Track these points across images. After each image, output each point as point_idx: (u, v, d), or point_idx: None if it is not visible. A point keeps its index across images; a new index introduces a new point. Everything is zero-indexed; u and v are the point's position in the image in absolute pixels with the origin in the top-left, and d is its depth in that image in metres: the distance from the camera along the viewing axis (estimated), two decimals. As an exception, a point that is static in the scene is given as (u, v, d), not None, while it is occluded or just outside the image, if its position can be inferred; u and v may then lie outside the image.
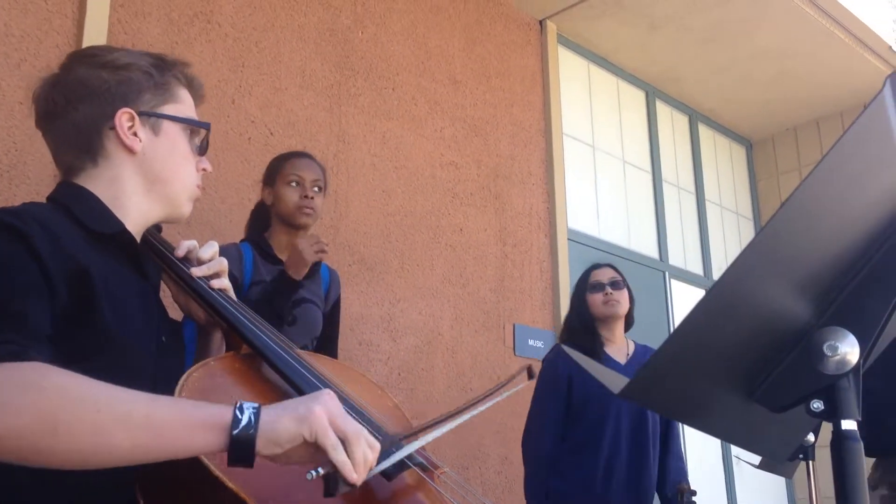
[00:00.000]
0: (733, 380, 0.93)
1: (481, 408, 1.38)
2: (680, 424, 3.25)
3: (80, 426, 0.95)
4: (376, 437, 1.10)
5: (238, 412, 1.00)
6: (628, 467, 3.04)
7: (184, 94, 1.38)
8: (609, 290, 3.20)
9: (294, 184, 2.68)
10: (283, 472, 1.07)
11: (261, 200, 2.82)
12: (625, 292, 3.23)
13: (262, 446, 0.99)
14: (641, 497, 3.05)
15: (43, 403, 0.94)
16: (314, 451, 1.02)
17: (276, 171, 2.75)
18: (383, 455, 1.12)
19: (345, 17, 4.11)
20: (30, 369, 0.97)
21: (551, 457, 3.05)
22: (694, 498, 2.94)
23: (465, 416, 1.36)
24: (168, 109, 1.34)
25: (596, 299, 3.21)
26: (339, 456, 1.01)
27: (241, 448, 0.98)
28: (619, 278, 3.26)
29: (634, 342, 3.31)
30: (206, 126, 1.39)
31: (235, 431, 0.98)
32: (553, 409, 3.11)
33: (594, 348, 3.14)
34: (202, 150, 1.40)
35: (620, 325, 3.25)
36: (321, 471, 1.01)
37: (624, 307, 3.22)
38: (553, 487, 3.01)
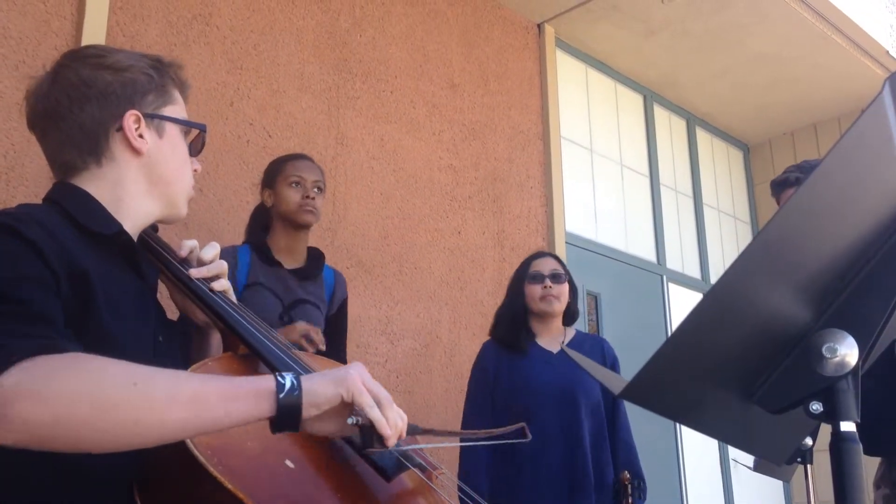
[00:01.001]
0: (732, 381, 0.93)
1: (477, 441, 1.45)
2: (625, 411, 3.10)
3: (133, 406, 0.98)
4: None
5: (280, 377, 1.04)
6: (562, 464, 2.87)
7: (178, 96, 1.39)
8: (549, 282, 3.06)
9: (295, 184, 2.70)
10: (279, 471, 1.07)
11: (260, 203, 2.83)
12: (565, 286, 3.09)
13: (306, 408, 1.04)
14: (575, 495, 2.86)
15: (94, 387, 0.97)
16: (349, 413, 1.08)
17: (276, 172, 2.76)
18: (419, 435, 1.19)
19: (343, 20, 4.11)
20: (72, 358, 1.00)
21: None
22: (643, 484, 2.86)
23: (460, 443, 1.40)
24: (168, 111, 1.35)
25: (534, 291, 3.08)
26: (374, 413, 1.07)
27: (288, 412, 1.03)
28: (561, 271, 3.13)
29: (576, 330, 3.20)
30: (203, 128, 1.41)
31: (282, 395, 1.03)
32: (480, 396, 3.04)
33: (518, 343, 3.04)
34: (195, 150, 1.41)
35: (557, 319, 3.12)
36: (360, 420, 1.07)
37: (562, 305, 3.09)
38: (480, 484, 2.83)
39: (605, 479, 2.94)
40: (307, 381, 1.05)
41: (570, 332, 3.17)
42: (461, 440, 2.85)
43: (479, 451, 2.89)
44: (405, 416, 1.12)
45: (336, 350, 2.76)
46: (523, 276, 3.14)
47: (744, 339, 0.90)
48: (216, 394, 1.01)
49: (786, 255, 0.86)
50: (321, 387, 1.06)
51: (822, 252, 0.89)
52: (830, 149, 0.80)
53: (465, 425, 3.05)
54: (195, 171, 1.42)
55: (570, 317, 3.18)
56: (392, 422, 1.09)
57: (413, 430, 1.21)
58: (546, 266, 3.12)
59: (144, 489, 1.09)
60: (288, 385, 1.03)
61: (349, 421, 1.07)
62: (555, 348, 3.06)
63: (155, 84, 1.34)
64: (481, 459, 2.88)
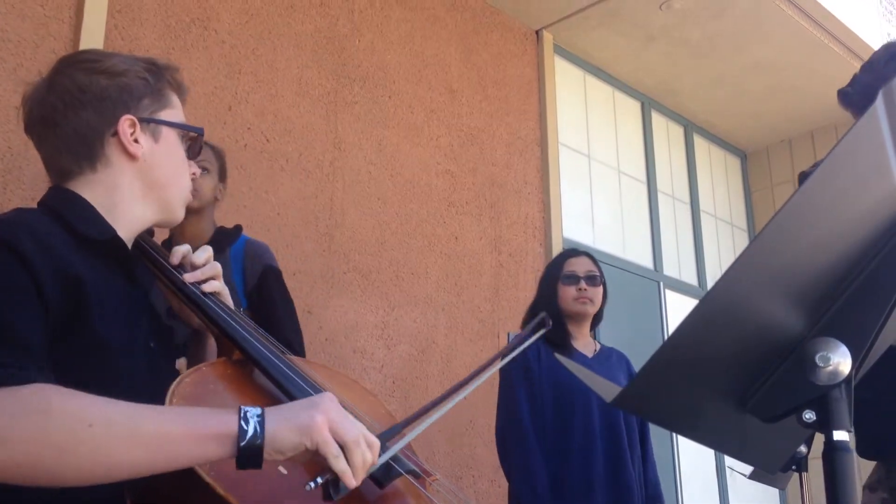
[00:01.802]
0: (726, 389, 0.93)
1: (479, 381, 1.38)
2: (650, 427, 3.00)
3: (90, 448, 0.96)
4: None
5: (243, 422, 1.02)
6: (605, 467, 2.78)
7: (175, 100, 1.39)
8: (584, 284, 2.92)
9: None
10: (274, 479, 1.07)
11: None
12: (600, 289, 2.97)
13: (268, 454, 1.02)
14: (622, 494, 2.78)
15: (50, 429, 0.95)
16: (315, 454, 1.05)
17: None
18: (394, 441, 1.15)
19: (342, 25, 4.12)
20: (31, 393, 0.98)
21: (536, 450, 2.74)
22: None
23: (465, 392, 1.36)
24: (165, 115, 1.34)
25: (568, 292, 2.92)
26: (339, 465, 1.04)
27: (249, 457, 1.01)
28: (597, 272, 2.99)
29: (599, 343, 3.09)
30: (200, 131, 1.40)
31: (243, 443, 1.00)
32: (526, 399, 2.80)
33: (564, 342, 2.91)
34: (192, 154, 1.40)
35: (588, 322, 2.99)
36: (320, 481, 1.04)
37: (596, 306, 2.96)
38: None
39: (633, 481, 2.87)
40: (271, 425, 1.02)
41: (597, 344, 3.06)
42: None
43: (532, 445, 2.73)
44: (377, 443, 1.09)
45: (273, 326, 2.34)
46: (556, 275, 2.98)
47: (737, 347, 0.90)
48: (177, 435, 1.00)
49: (779, 262, 0.86)
50: (285, 434, 1.02)
51: (815, 260, 0.89)
52: (824, 157, 0.80)
53: (509, 407, 2.82)
54: (192, 174, 1.41)
55: (596, 320, 3.06)
56: (357, 467, 1.05)
57: (393, 433, 1.20)
58: (581, 266, 2.98)
59: (136, 494, 1.08)
60: (250, 432, 1.01)
61: (306, 488, 1.03)
62: (589, 353, 2.97)
63: (151, 88, 1.33)
64: (537, 455, 2.73)
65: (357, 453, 1.05)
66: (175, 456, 0.99)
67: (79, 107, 1.29)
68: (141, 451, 0.98)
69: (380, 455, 1.13)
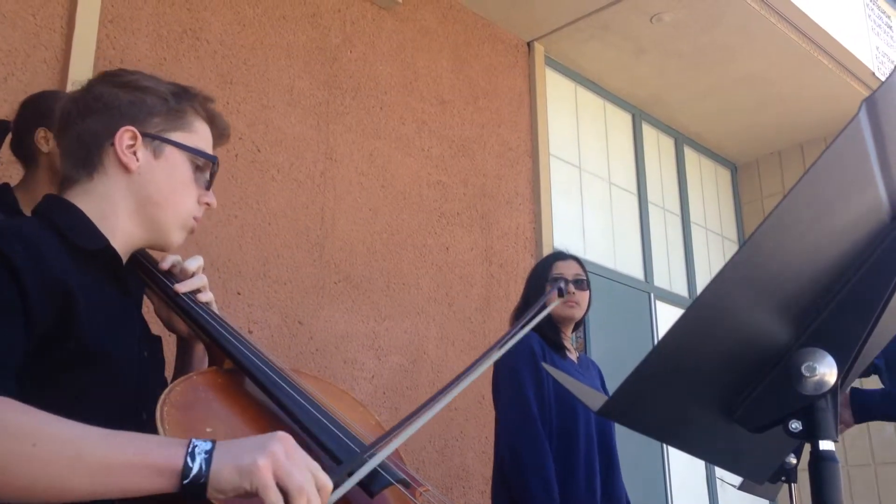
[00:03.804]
0: (713, 399, 0.94)
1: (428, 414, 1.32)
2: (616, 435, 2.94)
3: (29, 468, 0.95)
4: (331, 468, 1.08)
5: (189, 459, 0.99)
6: (602, 477, 2.75)
7: (200, 127, 1.37)
8: (572, 287, 2.90)
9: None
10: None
11: (18, 135, 2.28)
12: (587, 293, 2.95)
13: (211, 493, 1.00)
14: (611, 494, 2.77)
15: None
16: (257, 497, 1.01)
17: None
18: (357, 466, 1.11)
19: (333, 36, 4.13)
20: None
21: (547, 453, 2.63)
22: None
23: (456, 390, 1.31)
24: (177, 137, 1.32)
25: (555, 295, 2.86)
26: None
27: (192, 494, 0.99)
28: (584, 276, 2.97)
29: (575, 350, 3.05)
30: (213, 159, 1.37)
31: (186, 482, 0.98)
32: (535, 399, 2.71)
33: (558, 343, 2.87)
34: (208, 183, 1.38)
35: (571, 327, 2.96)
36: None
37: (583, 310, 2.94)
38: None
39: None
40: (217, 464, 0.99)
41: (574, 349, 3.02)
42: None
43: (546, 448, 2.64)
44: (328, 486, 1.04)
45: None
46: (544, 277, 2.97)
47: (724, 356, 0.91)
48: (121, 463, 0.98)
49: (765, 273, 0.86)
50: (227, 474, 0.99)
51: (801, 271, 0.90)
52: (808, 168, 0.81)
53: (521, 405, 2.71)
54: (207, 204, 1.38)
55: (578, 325, 3.03)
56: None
57: (383, 437, 1.16)
58: (569, 270, 2.96)
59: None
60: (195, 470, 0.98)
61: None
62: (574, 359, 2.94)
63: (168, 108, 1.32)
64: (550, 459, 2.65)
65: (301, 501, 1.00)
66: (116, 485, 0.98)
67: (87, 113, 1.30)
68: (82, 476, 0.96)
69: (364, 464, 1.12)
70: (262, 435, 1.05)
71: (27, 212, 2.07)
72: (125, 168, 1.28)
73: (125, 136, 1.28)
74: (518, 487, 2.64)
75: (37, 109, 2.23)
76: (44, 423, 0.98)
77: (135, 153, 1.29)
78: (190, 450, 1.00)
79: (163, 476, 0.98)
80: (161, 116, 1.31)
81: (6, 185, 2.18)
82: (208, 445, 1.01)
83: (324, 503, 1.03)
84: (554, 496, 2.58)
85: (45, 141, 2.16)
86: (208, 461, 1.00)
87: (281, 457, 1.01)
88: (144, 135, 1.29)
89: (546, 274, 2.98)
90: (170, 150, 1.31)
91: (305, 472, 1.02)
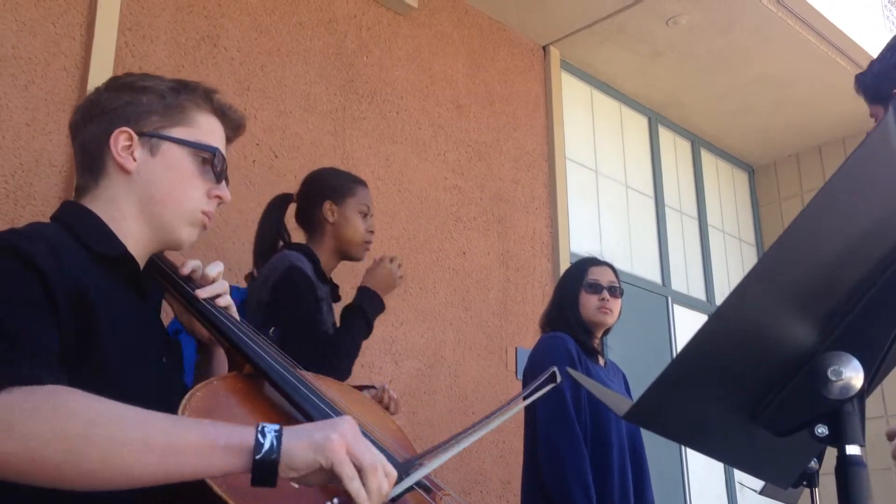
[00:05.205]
0: (737, 404, 0.93)
1: (493, 424, 1.34)
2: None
3: (100, 451, 0.95)
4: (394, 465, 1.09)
5: (260, 436, 1.00)
6: (635, 485, 2.76)
7: (203, 120, 1.35)
8: (607, 295, 2.92)
9: (363, 215, 2.59)
10: (284, 491, 1.07)
11: (308, 209, 2.62)
12: (619, 301, 2.96)
13: (283, 470, 1.00)
14: (644, 496, 2.77)
15: (67, 430, 0.95)
16: (330, 476, 1.02)
17: (346, 190, 2.61)
18: (411, 472, 1.13)
19: (350, 41, 4.14)
20: (48, 393, 0.98)
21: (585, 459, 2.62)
22: None
23: (478, 434, 1.33)
24: (176, 132, 1.31)
25: (590, 301, 2.91)
26: (353, 486, 1.01)
27: (264, 472, 0.98)
28: (617, 283, 2.99)
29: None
30: (213, 150, 1.34)
31: (258, 457, 0.98)
32: (572, 399, 2.68)
33: (591, 347, 2.87)
34: (218, 177, 1.36)
35: (601, 333, 2.98)
36: (336, 501, 1.02)
37: (615, 318, 2.95)
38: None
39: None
40: (288, 442, 1.00)
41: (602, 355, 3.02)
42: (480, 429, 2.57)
43: (583, 450, 2.65)
44: (394, 474, 1.06)
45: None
46: (579, 282, 2.95)
47: (749, 360, 0.90)
48: (192, 445, 0.98)
49: (790, 276, 0.86)
50: (301, 451, 1.00)
51: (826, 273, 0.89)
52: (837, 170, 0.80)
53: (560, 407, 2.69)
54: (219, 198, 1.36)
55: (607, 331, 3.04)
56: (374, 493, 1.02)
57: (420, 456, 1.19)
58: (604, 276, 2.97)
59: (147, 502, 1.08)
60: (266, 446, 0.99)
61: None
62: (602, 362, 2.95)
63: (165, 104, 1.31)
64: (587, 462, 2.65)
65: (374, 478, 1.02)
66: (186, 465, 0.97)
67: (88, 120, 1.31)
68: (152, 457, 0.96)
69: (399, 481, 1.12)
70: (329, 419, 1.08)
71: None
72: (123, 169, 1.28)
73: (120, 138, 1.28)
74: (556, 490, 2.62)
75: (324, 184, 2.62)
76: (109, 407, 0.99)
77: (132, 154, 1.28)
78: (259, 429, 1.01)
79: (233, 454, 0.98)
80: (158, 114, 1.31)
81: (307, 246, 2.56)
82: (276, 426, 1.02)
83: (389, 489, 1.05)
84: (593, 501, 2.58)
85: (331, 213, 2.56)
86: (279, 438, 1.00)
87: (352, 436, 1.03)
88: (141, 134, 1.29)
89: (582, 278, 2.97)
90: (167, 146, 1.30)
91: (376, 453, 1.05)
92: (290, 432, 1.02)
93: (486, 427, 1.32)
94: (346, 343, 2.41)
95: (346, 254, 2.61)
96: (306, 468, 1.00)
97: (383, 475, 1.03)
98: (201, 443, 0.98)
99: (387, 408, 2.49)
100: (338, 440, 1.01)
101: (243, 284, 2.71)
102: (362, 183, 2.67)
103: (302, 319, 2.35)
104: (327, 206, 2.57)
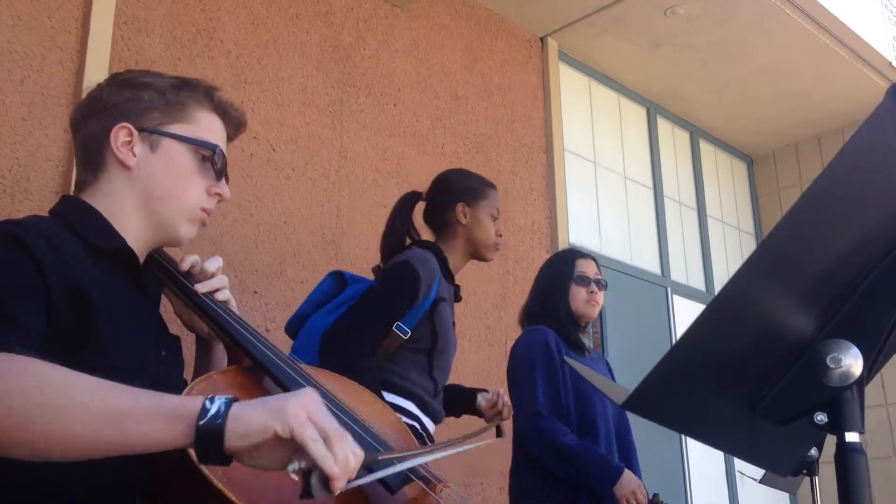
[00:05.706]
0: (736, 392, 0.93)
1: (450, 451, 1.33)
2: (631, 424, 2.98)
3: (50, 416, 0.92)
4: (361, 445, 1.01)
5: (208, 402, 0.93)
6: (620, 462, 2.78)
7: (204, 117, 1.35)
8: (595, 288, 2.95)
9: (494, 218, 2.61)
10: (283, 483, 1.07)
11: (440, 209, 2.66)
12: (602, 294, 2.99)
13: (231, 439, 0.91)
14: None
15: (16, 392, 0.92)
16: (292, 450, 0.93)
17: (479, 193, 2.63)
18: (380, 465, 1.10)
19: (347, 34, 4.13)
20: (8, 359, 0.95)
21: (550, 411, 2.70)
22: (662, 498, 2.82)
23: (433, 456, 1.31)
24: (176, 129, 1.32)
25: (580, 294, 2.93)
26: (318, 448, 0.91)
27: (208, 440, 0.91)
28: (600, 276, 3.02)
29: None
30: (213, 147, 1.34)
31: (202, 421, 0.91)
32: (547, 376, 2.75)
33: (574, 340, 2.91)
34: (219, 174, 1.36)
35: (587, 324, 3.01)
36: (304, 464, 0.91)
37: (597, 311, 3.00)
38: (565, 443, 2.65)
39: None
40: (238, 408, 0.92)
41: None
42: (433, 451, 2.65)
43: (561, 427, 2.71)
44: (360, 452, 0.96)
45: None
46: (569, 275, 2.97)
47: (748, 348, 0.90)
48: (138, 411, 0.92)
49: (789, 264, 0.85)
50: (252, 415, 0.92)
51: (825, 261, 0.89)
52: (833, 158, 0.80)
53: (528, 401, 2.76)
54: (218, 195, 1.35)
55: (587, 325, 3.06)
56: (341, 459, 0.91)
57: (370, 460, 1.07)
58: (591, 269, 3.00)
59: (148, 498, 1.08)
60: (213, 411, 0.91)
61: (290, 468, 0.91)
62: (585, 354, 2.98)
63: (165, 101, 1.32)
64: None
65: (340, 445, 0.92)
66: (129, 431, 0.92)
67: (89, 116, 1.31)
68: (92, 424, 0.91)
69: (385, 467, 1.10)
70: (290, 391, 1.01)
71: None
72: (123, 165, 1.28)
73: (120, 133, 1.28)
74: (539, 443, 2.73)
75: (457, 185, 2.66)
76: (63, 373, 0.95)
77: (132, 150, 1.28)
78: (209, 397, 0.95)
79: (179, 422, 0.92)
80: (159, 110, 1.31)
81: (437, 245, 2.59)
82: (229, 396, 0.95)
83: (357, 465, 0.95)
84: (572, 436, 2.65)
85: (463, 215, 2.58)
86: (228, 404, 0.93)
87: (313, 404, 0.95)
88: (141, 130, 1.29)
89: (570, 271, 2.99)
90: (167, 143, 1.31)
91: (342, 428, 0.96)
92: (243, 402, 0.95)
93: (453, 449, 1.31)
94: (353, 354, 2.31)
95: (475, 255, 2.66)
96: (258, 434, 0.91)
97: (350, 449, 0.94)
98: (148, 409, 0.93)
99: (500, 412, 2.53)
100: (295, 404, 0.93)
101: (371, 276, 2.67)
102: (493, 186, 2.68)
103: (370, 306, 2.35)
104: (460, 207, 2.60)
